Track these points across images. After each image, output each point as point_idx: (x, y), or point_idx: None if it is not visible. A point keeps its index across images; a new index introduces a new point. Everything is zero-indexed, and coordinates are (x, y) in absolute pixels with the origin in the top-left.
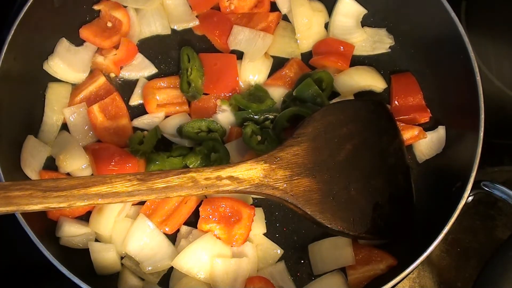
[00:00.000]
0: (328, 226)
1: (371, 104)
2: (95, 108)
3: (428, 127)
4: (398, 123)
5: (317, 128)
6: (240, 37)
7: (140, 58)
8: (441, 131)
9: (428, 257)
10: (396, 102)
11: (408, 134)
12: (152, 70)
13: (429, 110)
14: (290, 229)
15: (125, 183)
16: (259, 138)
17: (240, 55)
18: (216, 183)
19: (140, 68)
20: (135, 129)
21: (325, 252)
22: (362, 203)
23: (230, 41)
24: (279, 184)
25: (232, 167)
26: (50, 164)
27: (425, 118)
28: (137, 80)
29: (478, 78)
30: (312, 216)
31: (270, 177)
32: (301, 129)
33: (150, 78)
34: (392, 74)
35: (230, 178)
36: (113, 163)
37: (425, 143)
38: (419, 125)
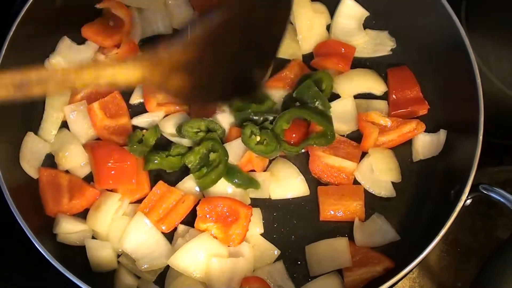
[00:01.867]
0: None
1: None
2: (95, 106)
3: (428, 129)
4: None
5: (208, 36)
6: None
7: None
8: (442, 134)
9: (428, 257)
10: (393, 96)
11: (406, 128)
12: None
13: (427, 102)
14: (288, 229)
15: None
16: (258, 138)
17: None
18: (94, 82)
19: None
20: (135, 127)
21: (322, 253)
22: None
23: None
24: (155, 79)
25: (112, 67)
26: (49, 161)
27: (423, 110)
28: None
29: (478, 79)
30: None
31: (148, 76)
32: (192, 34)
33: None
34: (388, 68)
35: (108, 77)
36: (112, 161)
37: (423, 143)
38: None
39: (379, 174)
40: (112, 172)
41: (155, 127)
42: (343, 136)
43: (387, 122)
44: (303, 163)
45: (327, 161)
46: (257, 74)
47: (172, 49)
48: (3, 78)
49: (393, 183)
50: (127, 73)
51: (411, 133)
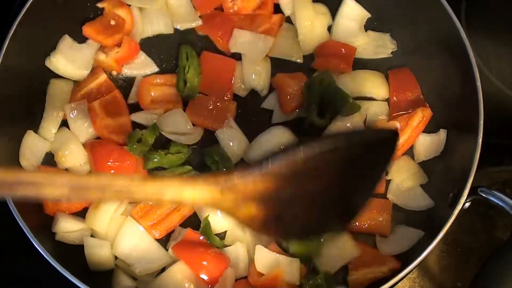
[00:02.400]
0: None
1: (377, 139)
2: (96, 104)
3: (429, 129)
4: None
5: (294, 170)
6: (241, 40)
7: (142, 56)
8: (442, 134)
9: (428, 257)
10: (394, 98)
11: (415, 120)
12: (154, 68)
13: (428, 104)
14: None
15: (54, 190)
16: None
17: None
18: (155, 202)
19: (141, 67)
20: (134, 126)
21: (327, 252)
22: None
23: (231, 44)
24: (223, 208)
25: (177, 191)
26: (49, 160)
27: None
28: None
29: (478, 79)
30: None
31: (217, 203)
32: (275, 165)
33: None
34: (387, 69)
35: (173, 201)
36: (111, 160)
37: (424, 144)
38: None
39: (404, 184)
40: (112, 171)
41: (154, 126)
42: None
43: (395, 125)
44: None
45: None
46: (343, 215)
47: (248, 177)
48: (62, 179)
49: None
50: (195, 193)
51: (422, 123)
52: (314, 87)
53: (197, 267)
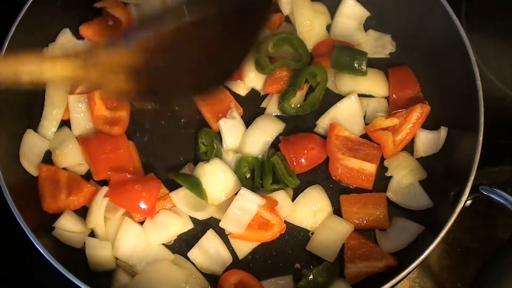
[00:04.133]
0: None
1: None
2: (96, 94)
3: (429, 127)
4: (397, 114)
5: (162, 42)
6: None
7: None
8: (442, 131)
9: (428, 257)
10: (394, 96)
11: (414, 116)
12: None
13: (427, 102)
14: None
15: None
16: (248, 175)
17: None
18: (13, 78)
19: None
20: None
21: (323, 237)
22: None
23: None
24: (91, 77)
25: (35, 67)
26: (49, 158)
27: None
28: None
29: (478, 79)
30: None
31: (81, 72)
32: (141, 37)
33: None
34: (389, 67)
35: (31, 73)
36: (106, 151)
37: (424, 140)
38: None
39: (404, 181)
40: (108, 161)
41: None
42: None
43: (394, 121)
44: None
45: (347, 163)
46: (224, 73)
47: (114, 51)
48: None
49: None
50: (56, 70)
51: (421, 118)
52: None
53: (132, 206)
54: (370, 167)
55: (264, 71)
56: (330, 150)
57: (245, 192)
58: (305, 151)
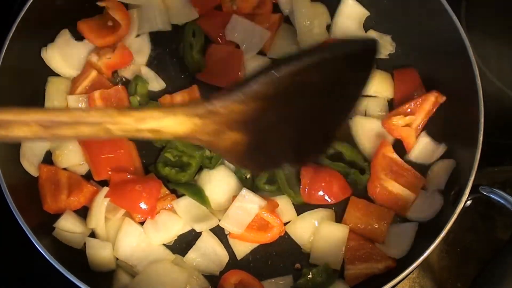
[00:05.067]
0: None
1: (357, 49)
2: (96, 94)
3: (428, 129)
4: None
5: (277, 89)
6: (238, 28)
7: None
8: (441, 148)
9: (428, 257)
10: (399, 97)
11: (427, 105)
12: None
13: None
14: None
15: (24, 128)
16: (248, 175)
17: None
18: (134, 135)
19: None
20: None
21: (323, 244)
22: (289, 147)
23: (227, 30)
24: (205, 137)
25: (157, 120)
26: (50, 158)
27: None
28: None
29: (478, 79)
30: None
31: (198, 131)
32: (257, 85)
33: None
34: (394, 69)
35: (152, 131)
36: (105, 152)
37: (423, 146)
38: None
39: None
40: (108, 161)
41: (141, 80)
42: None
43: (412, 119)
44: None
45: (387, 185)
46: (324, 140)
47: (230, 103)
48: (28, 116)
49: None
50: (176, 123)
51: (434, 106)
52: None
53: (133, 206)
54: (408, 195)
55: None
56: (374, 168)
57: (246, 193)
58: (323, 184)
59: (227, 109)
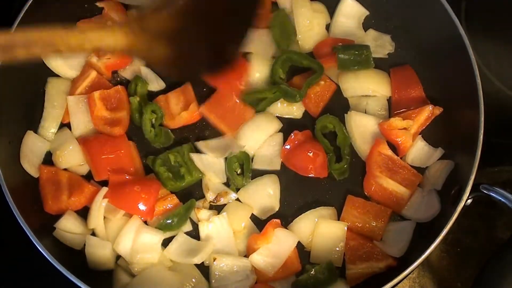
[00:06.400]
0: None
1: None
2: (96, 95)
3: (428, 129)
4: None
5: (191, 8)
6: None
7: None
8: (437, 152)
9: (428, 257)
10: (396, 95)
11: (423, 116)
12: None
13: (429, 102)
14: None
15: None
16: (238, 170)
17: None
18: (79, 51)
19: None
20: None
21: (321, 242)
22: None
23: None
24: (139, 50)
25: (99, 39)
26: (50, 159)
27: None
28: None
29: (478, 79)
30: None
31: (133, 45)
32: (179, 4)
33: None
34: (391, 67)
35: (95, 48)
36: (106, 153)
37: (419, 150)
38: None
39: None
40: (108, 162)
41: (141, 80)
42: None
43: (409, 123)
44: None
45: (382, 182)
46: (233, 47)
47: (159, 16)
48: None
49: None
50: (113, 38)
51: (430, 119)
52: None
53: (131, 207)
54: (404, 192)
55: (296, 99)
56: (369, 165)
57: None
58: (309, 153)
59: (156, 25)
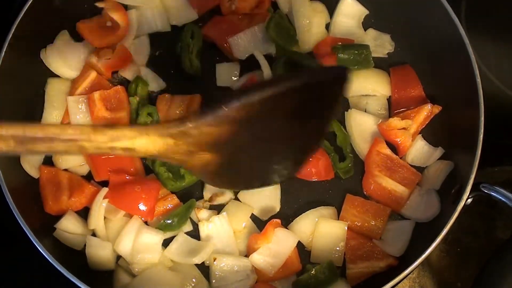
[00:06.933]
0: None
1: (329, 77)
2: (96, 96)
3: (427, 129)
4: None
5: (250, 113)
6: (242, 44)
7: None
8: (438, 152)
9: (428, 257)
10: (396, 95)
11: (422, 115)
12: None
13: (429, 101)
14: None
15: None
16: None
17: None
18: (107, 152)
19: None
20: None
21: (322, 242)
22: (260, 168)
23: (235, 53)
24: (177, 156)
25: (130, 140)
26: (50, 160)
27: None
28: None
29: (478, 79)
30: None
31: (171, 151)
32: (230, 109)
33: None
34: (390, 67)
35: (125, 149)
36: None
37: (418, 149)
38: None
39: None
40: (109, 162)
41: (141, 80)
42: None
43: (408, 123)
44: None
45: (381, 182)
46: (294, 162)
47: (202, 125)
48: (4, 131)
49: None
50: (149, 142)
51: (428, 118)
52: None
53: (132, 207)
54: (403, 191)
55: None
56: (368, 164)
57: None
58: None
59: (199, 131)
